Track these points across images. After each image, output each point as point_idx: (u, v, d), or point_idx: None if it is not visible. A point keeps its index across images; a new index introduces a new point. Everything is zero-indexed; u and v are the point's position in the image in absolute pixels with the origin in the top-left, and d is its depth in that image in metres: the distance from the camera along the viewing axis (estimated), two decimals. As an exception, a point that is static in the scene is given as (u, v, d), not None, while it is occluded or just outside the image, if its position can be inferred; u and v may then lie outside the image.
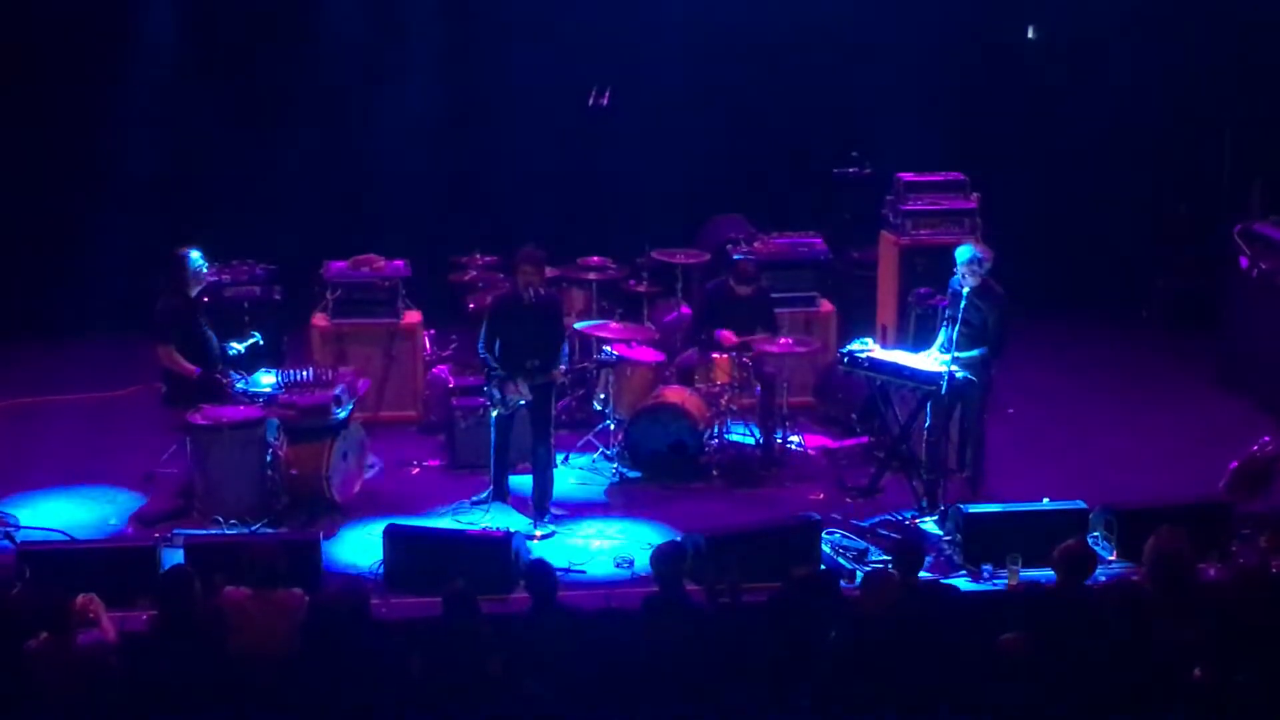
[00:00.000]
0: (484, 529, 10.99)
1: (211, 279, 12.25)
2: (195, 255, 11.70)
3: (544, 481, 11.51)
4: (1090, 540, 10.34)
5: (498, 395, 11.37)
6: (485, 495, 11.68)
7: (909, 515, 11.47)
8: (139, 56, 15.06)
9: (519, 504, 11.57)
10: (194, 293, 11.73)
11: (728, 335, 12.46)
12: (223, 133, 15.13)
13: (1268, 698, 8.52)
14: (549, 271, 12.61)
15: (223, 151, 15.19)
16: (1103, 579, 9.86)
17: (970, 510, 10.92)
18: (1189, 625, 8.83)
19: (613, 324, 13.09)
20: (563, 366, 11.73)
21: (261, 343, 12.02)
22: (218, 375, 11.57)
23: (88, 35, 15.09)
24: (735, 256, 13.47)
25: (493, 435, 11.57)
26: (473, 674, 8.59)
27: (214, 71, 14.95)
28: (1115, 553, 10.69)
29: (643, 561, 10.56)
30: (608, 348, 12.71)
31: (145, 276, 13.64)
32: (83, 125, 15.13)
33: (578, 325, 13.04)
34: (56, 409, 13.53)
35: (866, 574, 9.82)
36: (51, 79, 15.07)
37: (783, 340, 12.62)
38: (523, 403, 11.36)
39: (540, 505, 11.46)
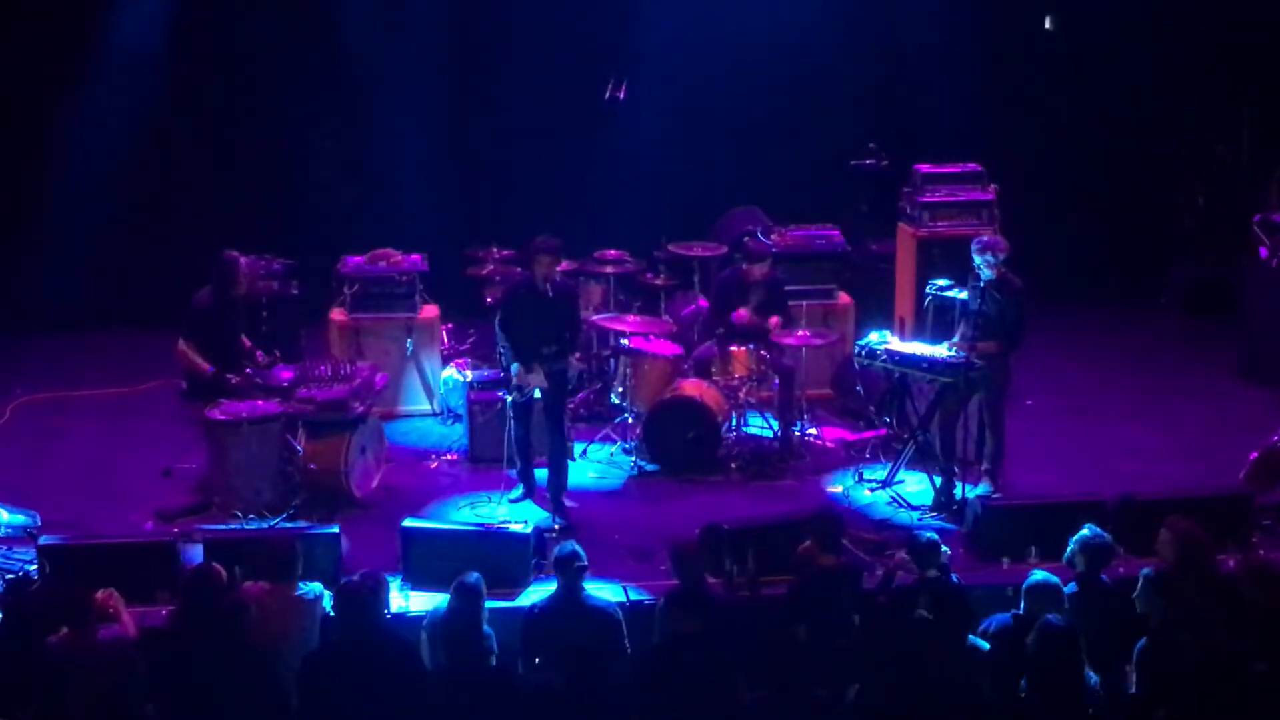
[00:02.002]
0: (502, 524, 10.99)
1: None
2: (243, 260, 11.86)
3: (559, 474, 11.50)
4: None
5: (514, 379, 11.36)
6: (518, 492, 11.67)
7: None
8: (158, 55, 15.07)
9: (539, 497, 11.61)
10: (239, 293, 11.79)
11: (741, 314, 12.46)
12: (241, 129, 15.13)
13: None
14: (567, 265, 12.62)
15: (241, 147, 15.20)
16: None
17: (988, 503, 10.90)
18: (1214, 614, 8.81)
19: (630, 317, 13.10)
20: (578, 354, 11.67)
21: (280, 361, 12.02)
22: (229, 376, 11.56)
23: (107, 34, 15.12)
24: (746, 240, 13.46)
25: (511, 425, 11.58)
26: (476, 664, 8.62)
27: (232, 68, 14.95)
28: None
29: (662, 554, 10.56)
30: (625, 341, 12.71)
31: (166, 272, 13.70)
32: (104, 124, 15.13)
33: (595, 318, 13.06)
34: (76, 404, 13.57)
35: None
36: (73, 76, 15.09)
37: (800, 333, 12.62)
38: (538, 393, 11.36)
39: (556, 498, 11.46)
